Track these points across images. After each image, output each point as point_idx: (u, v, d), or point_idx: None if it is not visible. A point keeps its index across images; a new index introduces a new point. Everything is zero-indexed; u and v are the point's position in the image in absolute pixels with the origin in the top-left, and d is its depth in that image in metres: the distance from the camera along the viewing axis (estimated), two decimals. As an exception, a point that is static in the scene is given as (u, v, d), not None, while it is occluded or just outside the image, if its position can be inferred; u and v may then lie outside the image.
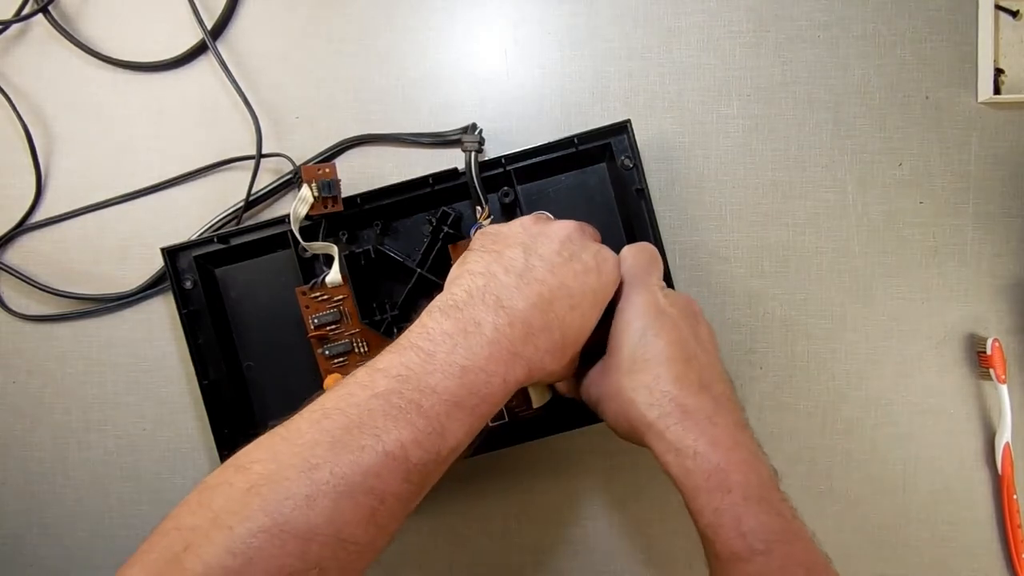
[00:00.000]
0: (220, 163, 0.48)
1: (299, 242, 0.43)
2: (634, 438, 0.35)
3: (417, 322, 0.32)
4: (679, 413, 0.33)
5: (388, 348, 0.31)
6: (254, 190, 0.47)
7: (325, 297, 0.44)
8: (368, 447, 0.27)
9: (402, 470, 0.27)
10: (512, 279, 0.32)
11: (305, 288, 0.44)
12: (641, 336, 0.35)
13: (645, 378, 0.34)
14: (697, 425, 0.33)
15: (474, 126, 0.45)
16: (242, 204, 0.47)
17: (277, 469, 0.26)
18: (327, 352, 0.44)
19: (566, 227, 0.36)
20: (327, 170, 0.42)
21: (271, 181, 0.48)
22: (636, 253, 0.38)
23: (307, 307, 0.44)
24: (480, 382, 0.30)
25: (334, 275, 0.43)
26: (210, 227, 0.47)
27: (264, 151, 0.47)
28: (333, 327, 0.44)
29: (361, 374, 0.30)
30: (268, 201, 0.48)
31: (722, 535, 0.31)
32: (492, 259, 0.34)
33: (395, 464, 0.27)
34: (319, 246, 0.44)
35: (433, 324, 0.31)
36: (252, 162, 0.47)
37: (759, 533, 0.30)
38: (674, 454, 0.33)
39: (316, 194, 0.42)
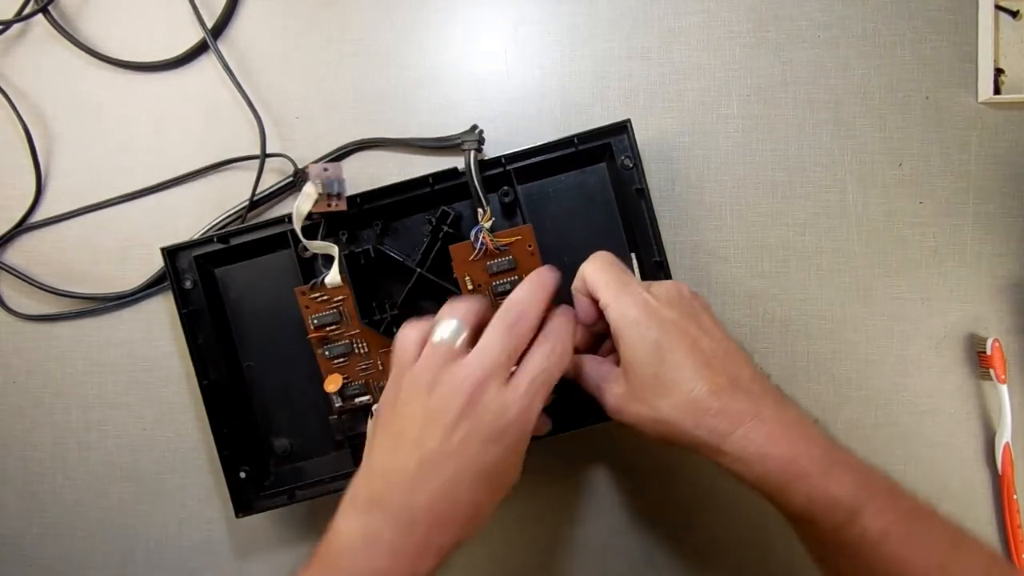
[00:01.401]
0: (220, 163, 0.48)
1: (300, 241, 0.43)
2: (684, 447, 0.35)
3: (329, 529, 0.33)
4: (727, 424, 0.33)
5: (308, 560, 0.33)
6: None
7: (325, 298, 0.44)
8: None
9: None
10: (408, 480, 0.33)
11: (304, 288, 0.44)
12: (656, 353, 0.34)
13: (679, 400, 0.33)
14: (748, 430, 0.33)
15: (475, 127, 0.45)
16: (246, 204, 0.47)
17: None
18: (327, 353, 0.44)
19: (457, 398, 0.33)
20: (334, 169, 0.42)
21: (271, 181, 0.47)
22: (596, 269, 0.37)
23: (307, 307, 0.44)
24: None
25: (333, 275, 0.43)
26: (211, 227, 0.47)
27: (266, 151, 0.47)
28: (333, 327, 0.44)
29: None
30: (269, 202, 0.48)
31: (820, 515, 0.32)
32: (390, 448, 0.34)
33: None
34: (319, 246, 0.44)
35: (336, 537, 0.33)
36: (251, 162, 0.47)
37: (850, 493, 0.32)
38: (741, 464, 0.33)
39: (320, 191, 0.42)
